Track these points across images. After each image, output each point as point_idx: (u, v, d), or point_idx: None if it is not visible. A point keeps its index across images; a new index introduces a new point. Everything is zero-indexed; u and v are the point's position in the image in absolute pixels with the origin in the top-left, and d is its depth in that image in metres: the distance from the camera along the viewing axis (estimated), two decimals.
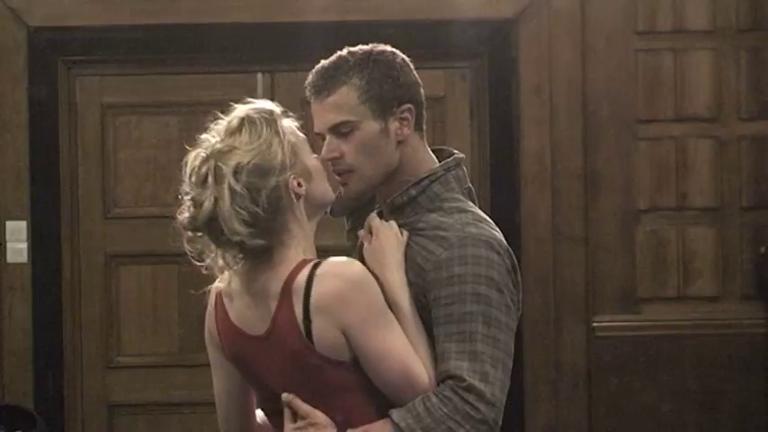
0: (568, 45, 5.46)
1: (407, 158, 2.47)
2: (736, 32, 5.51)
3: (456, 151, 2.56)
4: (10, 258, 5.42)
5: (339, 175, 2.49)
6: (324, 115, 2.46)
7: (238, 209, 2.35)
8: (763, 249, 5.48)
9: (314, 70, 2.50)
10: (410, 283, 2.39)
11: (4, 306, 5.42)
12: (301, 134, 2.48)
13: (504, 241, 2.42)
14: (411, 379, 2.32)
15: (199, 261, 2.46)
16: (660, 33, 5.49)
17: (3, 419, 5.16)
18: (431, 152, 2.53)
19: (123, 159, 5.57)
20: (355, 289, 2.33)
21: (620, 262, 5.47)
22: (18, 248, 5.42)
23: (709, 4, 5.48)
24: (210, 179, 2.38)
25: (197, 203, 2.41)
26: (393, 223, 2.45)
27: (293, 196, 2.41)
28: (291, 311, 2.35)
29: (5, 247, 5.42)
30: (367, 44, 2.55)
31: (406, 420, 2.31)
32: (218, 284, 2.51)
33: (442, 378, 2.32)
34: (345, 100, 2.44)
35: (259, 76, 5.57)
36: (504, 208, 5.44)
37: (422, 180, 2.46)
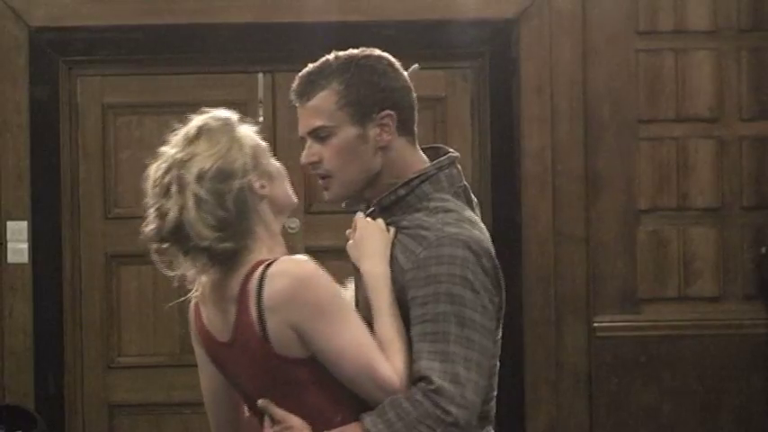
0: (569, 45, 5.46)
1: (392, 163, 2.46)
2: (737, 33, 5.51)
3: (451, 150, 2.55)
4: (11, 258, 5.42)
5: (321, 178, 2.49)
6: (304, 119, 2.49)
7: (205, 214, 2.37)
8: (763, 249, 5.48)
9: (299, 74, 2.52)
10: (393, 281, 2.39)
11: (5, 306, 5.42)
12: (260, 139, 2.52)
13: (486, 242, 2.39)
14: (374, 376, 2.31)
15: (169, 271, 2.48)
16: (661, 33, 5.49)
17: (3, 419, 5.16)
18: (422, 153, 2.51)
19: (124, 159, 5.58)
20: (303, 286, 2.34)
21: (621, 262, 5.47)
22: (19, 249, 5.42)
23: (711, 5, 5.48)
24: (174, 188, 2.40)
25: (162, 214, 2.42)
26: (379, 220, 2.45)
27: (257, 198, 2.44)
28: (248, 313, 2.36)
29: (6, 248, 5.42)
30: (367, 45, 2.56)
31: (377, 426, 2.29)
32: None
33: (415, 379, 2.30)
34: (324, 105, 2.45)
35: (260, 76, 5.57)
36: (504, 208, 5.44)
37: (411, 180, 2.45)
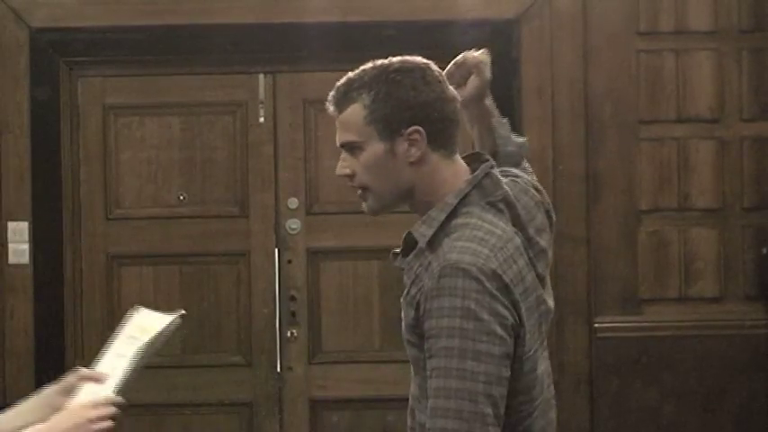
0: (570, 46, 5.46)
1: (425, 178, 2.43)
2: (737, 33, 5.51)
3: (488, 157, 2.51)
4: (12, 259, 5.42)
5: (358, 190, 2.47)
6: (338, 131, 2.47)
7: None
8: (764, 250, 5.48)
9: (336, 83, 2.48)
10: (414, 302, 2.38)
11: (6, 307, 5.42)
12: None
13: (492, 260, 2.33)
14: None
15: None
16: (662, 34, 5.49)
17: None
18: (461, 164, 2.47)
19: (125, 160, 5.58)
20: None
21: (622, 263, 5.47)
22: (20, 249, 5.42)
23: (711, 5, 5.48)
24: None
25: None
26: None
27: None
28: None
29: (7, 248, 5.42)
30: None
31: None
32: None
33: (430, 416, 2.30)
34: (353, 119, 2.42)
35: (261, 76, 5.57)
36: None
37: (446, 203, 2.42)
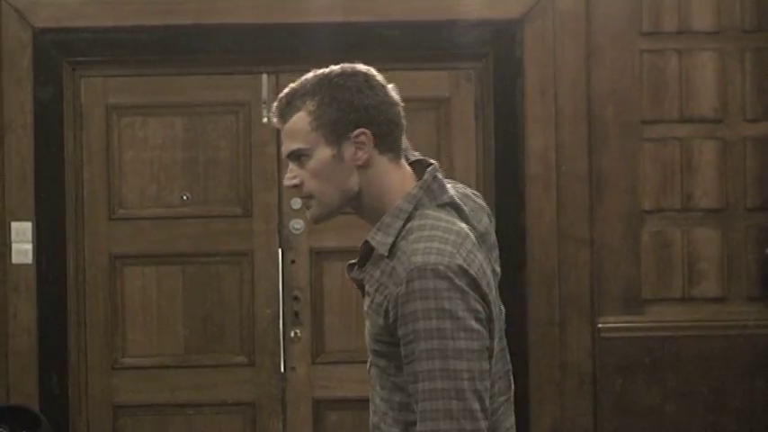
0: (573, 46, 5.46)
1: (373, 182, 2.44)
2: (741, 33, 5.51)
3: (431, 162, 2.50)
4: (15, 259, 5.42)
5: (303, 198, 2.48)
6: (284, 142, 2.47)
7: None
8: (767, 250, 5.48)
9: (279, 95, 2.48)
10: (380, 307, 2.37)
11: (9, 307, 5.42)
12: None
13: (456, 256, 2.32)
14: None
15: None
16: (665, 34, 5.49)
17: (7, 420, 5.17)
18: (408, 170, 2.48)
19: (128, 160, 5.58)
20: None
21: (625, 263, 5.47)
22: (23, 249, 5.43)
23: (715, 5, 5.48)
24: None
25: None
26: None
27: None
28: None
29: (11, 248, 5.42)
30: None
31: None
32: None
33: (420, 419, 2.31)
34: (298, 127, 2.43)
35: (264, 76, 5.58)
36: (508, 209, 5.44)
37: (400, 207, 2.42)
